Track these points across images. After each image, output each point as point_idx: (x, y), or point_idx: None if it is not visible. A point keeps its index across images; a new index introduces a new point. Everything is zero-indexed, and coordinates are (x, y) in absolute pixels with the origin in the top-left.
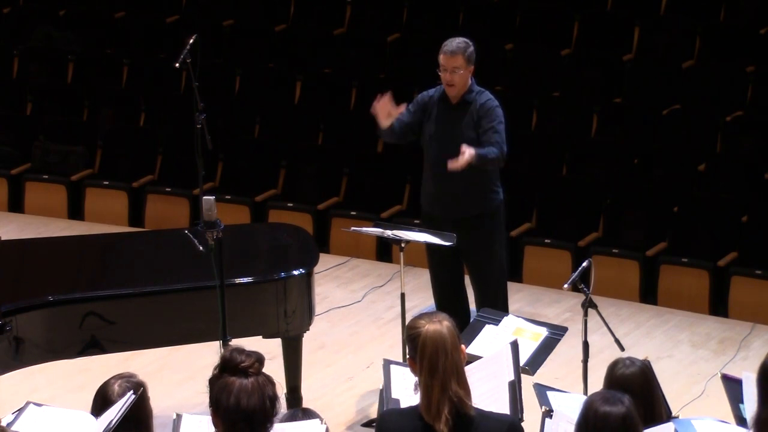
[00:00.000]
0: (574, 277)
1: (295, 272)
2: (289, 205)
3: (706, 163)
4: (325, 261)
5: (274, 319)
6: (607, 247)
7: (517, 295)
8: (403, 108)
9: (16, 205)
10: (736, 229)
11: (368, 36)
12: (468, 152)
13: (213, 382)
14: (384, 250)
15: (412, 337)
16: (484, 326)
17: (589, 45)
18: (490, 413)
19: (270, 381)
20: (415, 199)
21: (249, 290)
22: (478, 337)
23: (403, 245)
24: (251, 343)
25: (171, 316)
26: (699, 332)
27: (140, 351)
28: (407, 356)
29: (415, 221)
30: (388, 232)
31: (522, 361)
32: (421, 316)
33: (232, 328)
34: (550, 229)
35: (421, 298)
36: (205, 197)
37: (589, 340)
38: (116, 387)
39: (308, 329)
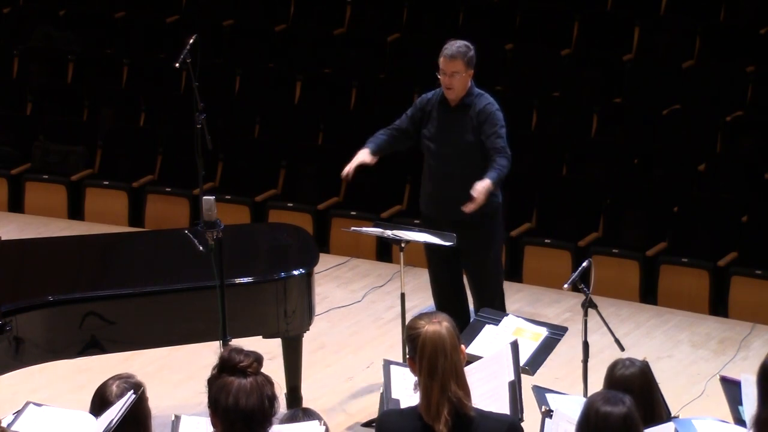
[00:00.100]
0: (574, 277)
1: (295, 272)
2: (289, 205)
3: (706, 163)
4: (325, 261)
5: (274, 319)
6: (607, 247)
7: (517, 295)
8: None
9: (16, 205)
10: (736, 229)
11: (368, 36)
12: (481, 190)
13: (212, 382)
14: (384, 250)
15: (411, 337)
16: (484, 326)
17: (589, 45)
18: (490, 413)
19: (269, 381)
20: (415, 199)
21: (249, 290)
22: (478, 337)
23: (403, 245)
24: (251, 343)
25: (171, 316)
26: (699, 332)
27: (140, 351)
28: (407, 356)
29: (415, 221)
30: (388, 232)
31: (522, 361)
32: (420, 316)
33: (232, 328)
34: (550, 229)
35: (421, 298)
36: (205, 197)
37: (589, 340)
38: (114, 388)
39: (308, 329)
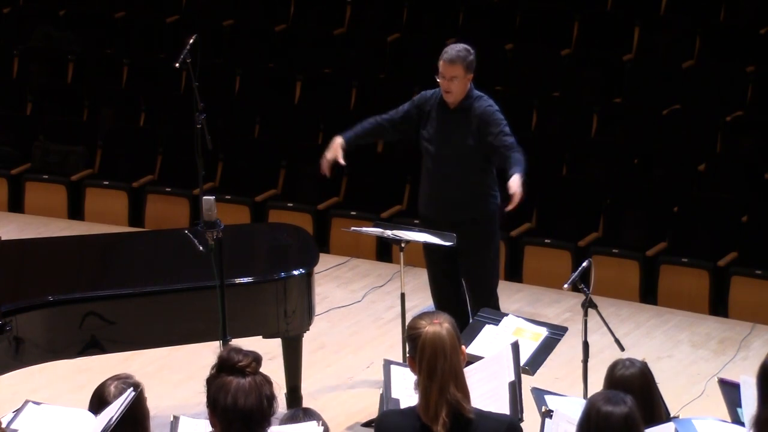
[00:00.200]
0: (574, 277)
1: (295, 272)
2: (289, 205)
3: (706, 163)
4: (325, 261)
5: (274, 319)
6: (607, 247)
7: (517, 295)
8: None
9: (16, 205)
10: (736, 229)
11: (368, 36)
12: (517, 186)
13: (210, 381)
14: (384, 250)
15: (412, 337)
16: (484, 326)
17: (589, 45)
18: (489, 413)
19: (267, 381)
20: (415, 199)
21: (249, 290)
22: (478, 337)
23: (403, 245)
24: (251, 343)
25: (171, 316)
26: (699, 332)
27: (140, 351)
28: (407, 355)
29: (415, 221)
30: (388, 232)
31: (522, 362)
32: (422, 316)
33: (232, 328)
34: (550, 229)
35: (421, 298)
36: (205, 197)
37: (589, 340)
38: (112, 388)
39: (308, 329)
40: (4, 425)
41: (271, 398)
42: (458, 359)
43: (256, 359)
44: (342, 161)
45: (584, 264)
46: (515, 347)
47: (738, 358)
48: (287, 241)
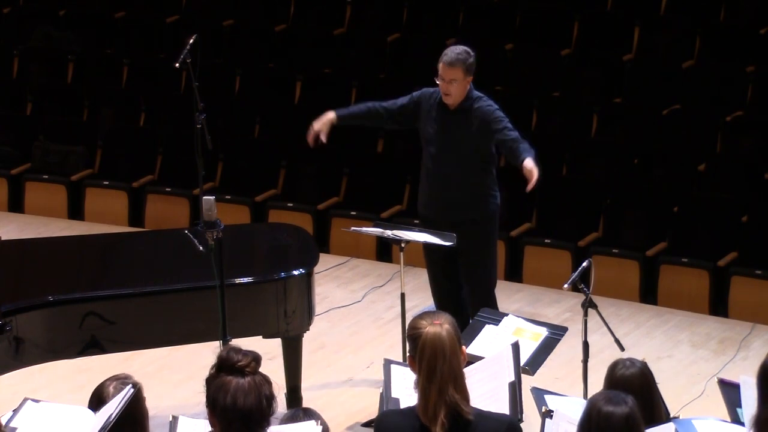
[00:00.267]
0: (574, 277)
1: (295, 272)
2: (289, 205)
3: (706, 163)
4: (325, 261)
5: (274, 319)
6: (607, 247)
7: (517, 295)
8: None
9: (16, 205)
10: (736, 229)
11: (368, 36)
12: (533, 167)
13: (210, 381)
14: (384, 250)
15: (413, 337)
16: (484, 326)
17: (589, 45)
18: (489, 413)
19: (267, 380)
20: (416, 199)
21: (249, 290)
22: (478, 337)
23: (403, 245)
24: (251, 343)
25: (171, 316)
26: (699, 332)
27: (140, 351)
28: (408, 354)
29: (415, 221)
30: (388, 232)
31: (522, 362)
32: (422, 315)
33: (232, 328)
34: (550, 229)
35: (421, 298)
36: (205, 197)
37: (589, 340)
38: (111, 389)
39: (308, 329)
40: (3, 423)
41: (271, 398)
42: (458, 360)
43: (256, 359)
44: (324, 138)
45: (584, 264)
46: (515, 347)
47: (738, 358)
48: (287, 241)
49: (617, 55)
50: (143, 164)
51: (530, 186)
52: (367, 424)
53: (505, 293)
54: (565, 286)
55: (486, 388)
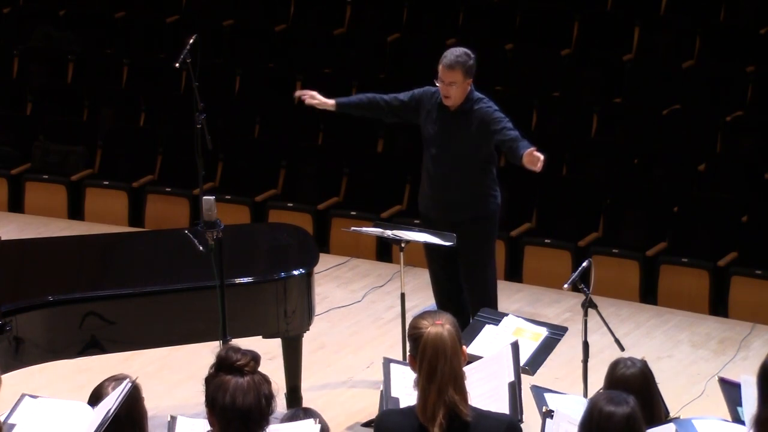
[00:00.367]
0: (574, 277)
1: (295, 272)
2: (289, 205)
3: (706, 163)
4: (325, 261)
5: (274, 319)
6: (607, 247)
7: (517, 295)
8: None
9: (16, 205)
10: (736, 229)
11: (368, 36)
12: (532, 150)
13: (209, 380)
14: (384, 250)
15: (414, 336)
16: (484, 326)
17: (589, 45)
18: (489, 413)
19: (266, 380)
20: (416, 199)
21: (249, 290)
22: (478, 337)
23: (403, 245)
24: (251, 343)
25: (171, 316)
26: (699, 332)
27: (140, 351)
28: (408, 353)
29: (415, 221)
30: (388, 232)
31: (522, 361)
32: (423, 315)
33: (232, 328)
34: (550, 229)
35: (421, 298)
36: (205, 197)
37: (589, 340)
38: (110, 390)
39: (308, 329)
40: (1, 420)
41: (270, 397)
42: (458, 361)
43: (255, 358)
44: (308, 103)
45: (584, 264)
46: (515, 347)
47: (738, 358)
48: (287, 241)
49: (617, 55)
50: (143, 164)
51: (538, 167)
52: (367, 424)
53: (505, 293)
54: (565, 286)
55: (486, 388)
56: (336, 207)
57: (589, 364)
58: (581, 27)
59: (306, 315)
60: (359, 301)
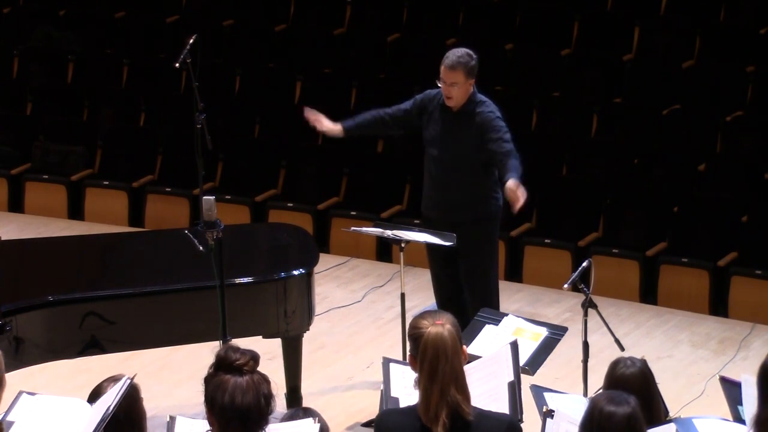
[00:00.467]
0: (574, 277)
1: (295, 272)
2: (289, 205)
3: (706, 163)
4: (325, 261)
5: (274, 319)
6: (607, 247)
7: (517, 295)
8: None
9: (16, 205)
10: (736, 229)
11: (368, 36)
12: (516, 186)
13: (208, 380)
14: (384, 250)
15: (414, 336)
16: (484, 326)
17: (589, 45)
18: (490, 412)
19: (265, 379)
20: (415, 199)
21: (249, 290)
22: (478, 337)
23: (403, 245)
24: (251, 343)
25: (171, 316)
26: (699, 332)
27: (140, 351)
28: (408, 353)
29: (415, 221)
30: (388, 232)
31: (522, 361)
32: (424, 315)
33: (232, 328)
34: (550, 229)
35: (421, 298)
36: (205, 197)
37: (589, 340)
38: (109, 390)
39: (308, 329)
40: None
41: (269, 397)
42: (459, 361)
43: (254, 358)
44: (318, 128)
45: (584, 264)
46: (515, 347)
47: (738, 358)
48: (287, 241)
49: (617, 55)
50: (143, 164)
51: (516, 208)
52: (367, 424)
53: (505, 293)
54: (565, 286)
55: (485, 388)
56: (336, 207)
57: (589, 364)
58: (581, 27)
59: (306, 315)
60: (359, 301)
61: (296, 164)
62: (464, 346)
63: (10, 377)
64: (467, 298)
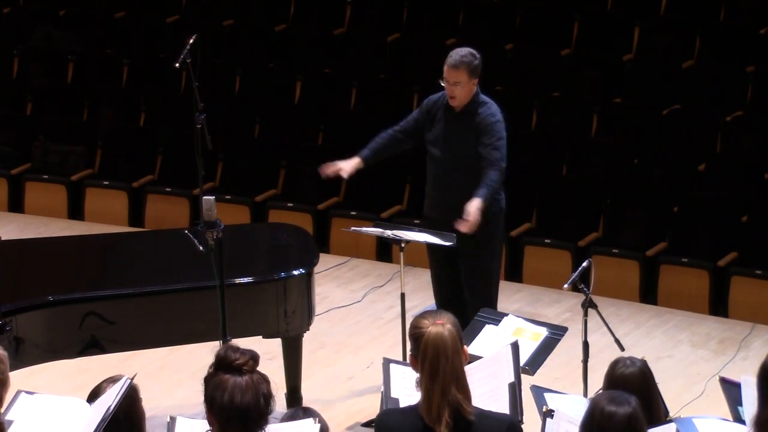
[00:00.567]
0: (574, 277)
1: (295, 272)
2: (289, 205)
3: (706, 163)
4: (325, 261)
5: (274, 319)
6: (607, 247)
7: (517, 295)
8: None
9: (16, 205)
10: (736, 229)
11: (368, 36)
12: (474, 210)
13: (208, 380)
14: (384, 250)
15: (415, 336)
16: (484, 326)
17: (589, 45)
18: (490, 413)
19: (265, 379)
20: (415, 199)
21: (249, 290)
22: (478, 337)
23: (403, 245)
24: (251, 344)
25: (171, 316)
26: (699, 332)
27: (140, 351)
28: (409, 353)
29: (415, 221)
30: (388, 232)
31: (522, 361)
32: (425, 315)
33: (232, 328)
34: (550, 229)
35: (421, 298)
36: (205, 197)
37: (589, 340)
38: (108, 390)
39: (308, 329)
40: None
41: (268, 396)
42: (460, 360)
43: (254, 357)
44: (345, 176)
45: (584, 264)
46: (515, 347)
47: (738, 358)
48: (287, 241)
49: (617, 55)
50: (143, 164)
51: (463, 228)
52: (367, 424)
53: (505, 293)
54: (565, 286)
55: (486, 388)
56: (336, 207)
57: (589, 364)
58: (581, 27)
59: (306, 315)
60: (359, 301)
61: (296, 164)
62: (465, 346)
63: (10, 377)
64: (467, 298)
